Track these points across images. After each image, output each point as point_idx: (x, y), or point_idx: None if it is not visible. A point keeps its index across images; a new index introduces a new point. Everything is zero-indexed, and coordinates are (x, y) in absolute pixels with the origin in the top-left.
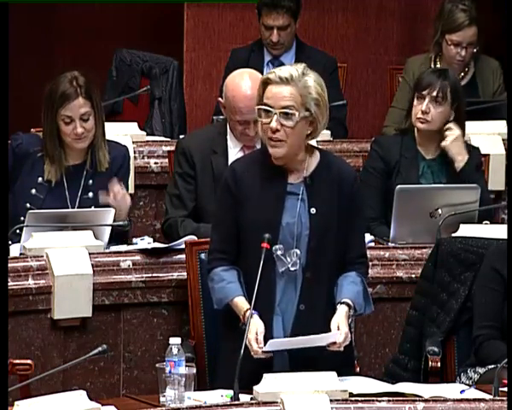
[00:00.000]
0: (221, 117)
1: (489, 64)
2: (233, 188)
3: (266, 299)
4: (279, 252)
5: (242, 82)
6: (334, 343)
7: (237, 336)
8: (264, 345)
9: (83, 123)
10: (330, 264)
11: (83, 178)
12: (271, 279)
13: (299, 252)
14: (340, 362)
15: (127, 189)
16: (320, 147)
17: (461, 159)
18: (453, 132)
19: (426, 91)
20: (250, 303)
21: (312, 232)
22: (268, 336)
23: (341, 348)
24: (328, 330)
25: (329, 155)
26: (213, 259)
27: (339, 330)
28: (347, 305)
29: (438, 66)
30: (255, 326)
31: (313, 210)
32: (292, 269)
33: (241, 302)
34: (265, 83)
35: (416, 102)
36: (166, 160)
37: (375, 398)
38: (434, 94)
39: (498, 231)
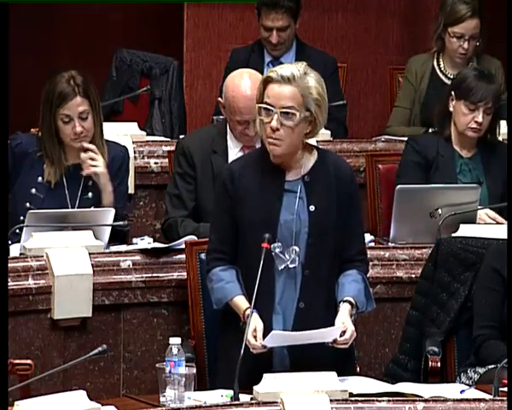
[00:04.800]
0: (221, 117)
1: (491, 63)
2: (230, 188)
3: (266, 297)
4: (277, 250)
5: (242, 82)
6: (336, 341)
7: (235, 333)
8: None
9: (81, 122)
10: (329, 261)
11: (82, 179)
12: (271, 278)
13: (297, 249)
14: (340, 362)
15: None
16: (317, 145)
17: None
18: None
19: (482, 103)
20: (249, 302)
21: (311, 229)
22: (268, 334)
23: (347, 346)
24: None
25: (327, 152)
26: (212, 259)
27: (343, 326)
28: (350, 303)
29: (441, 62)
30: (254, 324)
31: (312, 207)
32: (291, 266)
33: (240, 301)
34: (266, 81)
35: (465, 109)
36: (166, 160)
37: (375, 398)
38: (490, 105)
39: (498, 231)
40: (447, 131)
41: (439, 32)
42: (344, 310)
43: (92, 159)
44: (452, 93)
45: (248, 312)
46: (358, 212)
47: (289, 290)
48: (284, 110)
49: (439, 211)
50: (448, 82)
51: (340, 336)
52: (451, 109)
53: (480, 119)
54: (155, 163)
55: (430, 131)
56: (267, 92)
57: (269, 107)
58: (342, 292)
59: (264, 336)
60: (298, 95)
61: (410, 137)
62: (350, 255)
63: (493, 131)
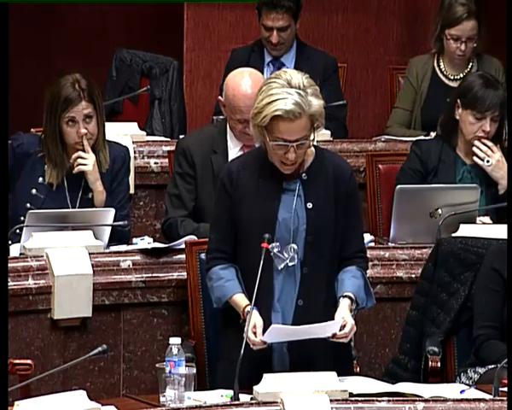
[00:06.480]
0: (221, 117)
1: (491, 63)
2: (229, 188)
3: (265, 296)
4: (275, 250)
5: (242, 81)
6: (335, 335)
7: (235, 333)
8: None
9: (86, 125)
10: (328, 259)
11: (83, 179)
12: (270, 276)
13: (295, 247)
14: (338, 361)
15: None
16: (317, 145)
17: (504, 183)
18: (494, 156)
19: (489, 112)
20: (249, 300)
21: (309, 227)
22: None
23: (347, 340)
24: None
25: (325, 151)
26: (211, 258)
27: (343, 320)
28: (349, 298)
29: (441, 63)
30: (253, 320)
31: (310, 205)
32: (290, 264)
33: (240, 299)
34: (274, 118)
35: (472, 119)
36: (166, 160)
37: (375, 398)
38: (497, 113)
39: (498, 231)
40: (454, 140)
41: (437, 33)
42: (344, 305)
43: (81, 157)
44: (458, 101)
45: (248, 309)
46: (357, 211)
47: (288, 288)
48: (299, 142)
49: (439, 211)
50: (449, 83)
51: (340, 330)
52: (457, 117)
53: (487, 128)
54: (155, 163)
55: (433, 134)
56: (278, 128)
57: (283, 143)
58: (342, 288)
59: (264, 333)
60: (307, 121)
61: (416, 141)
62: (349, 253)
63: (500, 137)
